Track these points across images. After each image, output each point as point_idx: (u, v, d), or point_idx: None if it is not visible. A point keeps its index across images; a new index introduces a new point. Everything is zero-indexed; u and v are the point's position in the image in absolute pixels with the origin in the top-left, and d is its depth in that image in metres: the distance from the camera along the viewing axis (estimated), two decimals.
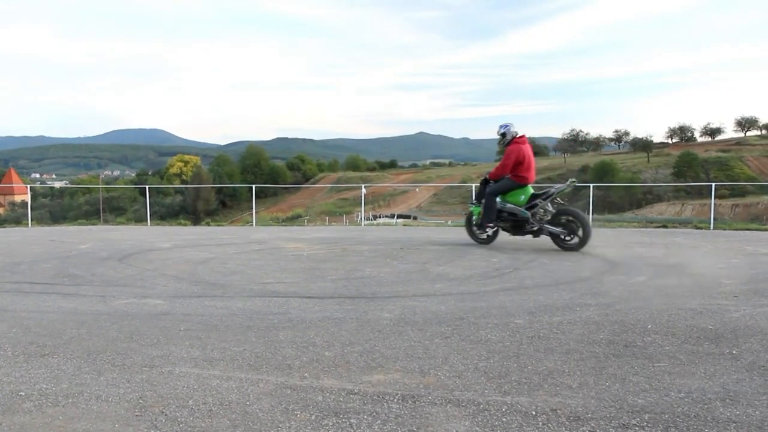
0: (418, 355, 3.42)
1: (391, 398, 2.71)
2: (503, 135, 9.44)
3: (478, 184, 10.04)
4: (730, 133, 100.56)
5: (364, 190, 21.44)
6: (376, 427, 2.41)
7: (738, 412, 2.53)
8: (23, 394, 2.78)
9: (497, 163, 9.61)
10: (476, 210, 9.83)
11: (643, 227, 17.42)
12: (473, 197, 10.33)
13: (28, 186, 28.75)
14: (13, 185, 70.33)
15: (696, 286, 5.73)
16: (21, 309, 4.77)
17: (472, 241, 10.02)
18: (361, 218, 19.78)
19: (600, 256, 8.17)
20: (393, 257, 8.14)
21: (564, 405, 2.62)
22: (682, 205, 56.14)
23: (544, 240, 9.26)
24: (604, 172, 69.12)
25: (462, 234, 13.02)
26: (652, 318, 4.34)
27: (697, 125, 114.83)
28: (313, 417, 2.50)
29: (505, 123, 9.58)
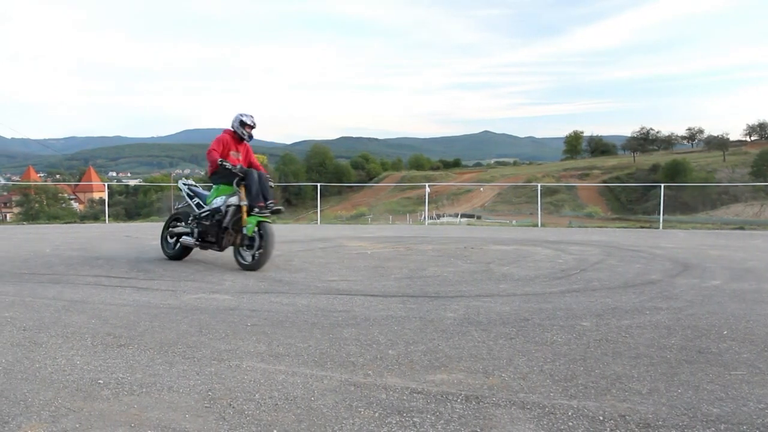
0: (482, 355, 3.39)
1: (455, 398, 2.70)
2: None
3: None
4: None
5: (428, 189, 21.43)
6: (440, 426, 2.40)
7: None
8: (102, 382, 2.92)
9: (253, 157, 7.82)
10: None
11: (718, 229, 16.72)
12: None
13: (106, 184, 30.07)
14: (92, 183, 73.69)
15: None
16: (99, 301, 4.99)
17: (535, 241, 9.82)
18: (424, 217, 19.77)
19: (671, 258, 7.88)
20: (457, 257, 8.09)
21: (633, 411, 2.55)
22: (762, 206, 53.43)
23: (601, 240, 8.99)
24: (675, 171, 66.65)
25: (527, 234, 12.82)
26: (727, 324, 4.16)
27: None
28: (377, 414, 2.52)
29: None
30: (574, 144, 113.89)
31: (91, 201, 67.76)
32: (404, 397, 2.72)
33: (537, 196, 19.60)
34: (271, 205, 7.16)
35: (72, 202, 64.53)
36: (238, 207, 7.07)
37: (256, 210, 6.99)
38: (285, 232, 12.86)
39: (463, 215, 49.91)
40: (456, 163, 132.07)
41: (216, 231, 7.17)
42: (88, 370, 3.11)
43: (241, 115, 7.41)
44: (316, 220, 20.72)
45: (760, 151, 74.40)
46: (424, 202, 19.99)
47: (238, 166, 7.18)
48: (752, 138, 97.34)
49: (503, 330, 3.98)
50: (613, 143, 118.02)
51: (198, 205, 7.62)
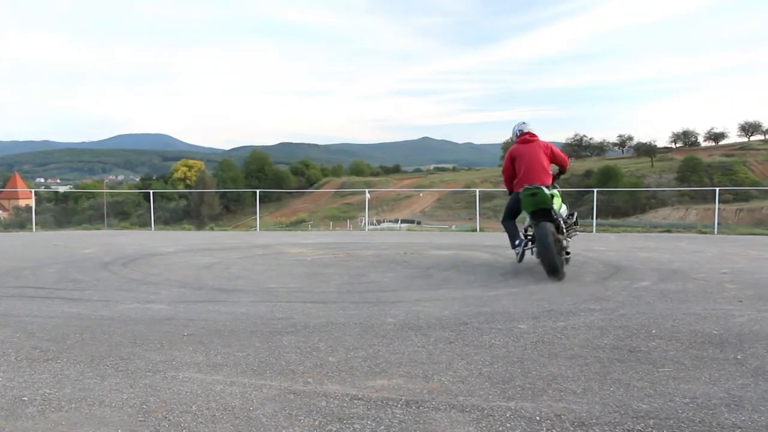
0: (422, 360, 3.41)
1: (395, 404, 2.71)
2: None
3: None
4: (733, 137, 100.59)
5: (368, 195, 21.49)
6: None
7: (743, 418, 2.52)
8: (26, 399, 2.78)
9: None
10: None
11: (647, 232, 17.37)
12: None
13: (33, 191, 28.82)
14: (18, 190, 70.47)
15: (700, 291, 5.71)
16: (25, 314, 4.77)
17: (474, 246, 9.93)
18: (365, 223, 19.80)
19: (604, 260, 8.14)
20: (397, 262, 8.13)
21: (568, 410, 2.61)
22: (686, 209, 56.03)
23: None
24: (607, 176, 69.10)
25: (466, 239, 12.99)
26: (656, 323, 4.32)
27: (700, 130, 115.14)
28: (317, 422, 2.50)
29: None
30: None
31: (17, 209, 64.75)
32: (344, 404, 2.71)
33: (476, 202, 19.94)
34: None
35: None
36: None
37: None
38: (223, 239, 12.63)
39: (404, 221, 50.22)
40: (396, 169, 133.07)
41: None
42: (10, 386, 2.96)
43: None
44: (256, 227, 20.44)
45: (684, 157, 78.06)
46: (365, 208, 20.04)
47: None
48: (677, 145, 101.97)
49: (443, 334, 4.01)
50: None
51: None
